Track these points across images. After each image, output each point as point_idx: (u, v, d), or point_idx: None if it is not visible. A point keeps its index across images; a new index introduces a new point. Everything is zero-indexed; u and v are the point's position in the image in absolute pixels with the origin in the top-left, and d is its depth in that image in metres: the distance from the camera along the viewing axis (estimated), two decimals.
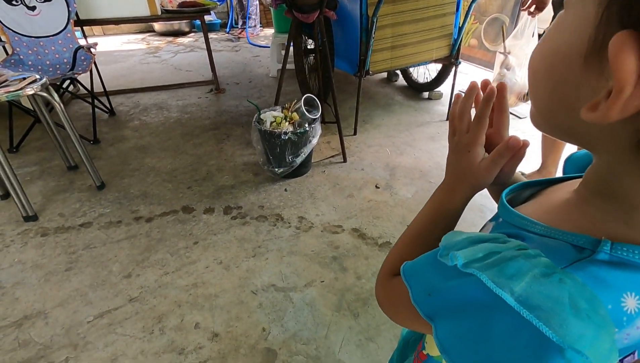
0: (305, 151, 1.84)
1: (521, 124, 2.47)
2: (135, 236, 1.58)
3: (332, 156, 2.17)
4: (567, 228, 0.27)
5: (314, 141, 1.87)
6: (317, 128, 1.87)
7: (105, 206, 1.76)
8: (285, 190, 1.88)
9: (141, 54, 4.33)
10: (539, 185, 0.39)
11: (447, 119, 2.55)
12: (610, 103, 0.20)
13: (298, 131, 1.78)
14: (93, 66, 2.38)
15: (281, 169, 1.86)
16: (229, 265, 1.44)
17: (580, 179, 0.31)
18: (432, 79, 2.87)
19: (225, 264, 1.44)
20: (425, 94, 2.99)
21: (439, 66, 2.77)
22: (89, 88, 2.38)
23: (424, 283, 0.33)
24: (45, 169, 2.04)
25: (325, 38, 1.92)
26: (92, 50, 2.37)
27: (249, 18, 4.96)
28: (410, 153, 2.21)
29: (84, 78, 2.43)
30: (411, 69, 3.02)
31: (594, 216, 0.27)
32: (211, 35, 5.04)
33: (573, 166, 0.41)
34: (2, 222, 1.65)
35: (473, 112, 0.42)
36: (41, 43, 2.31)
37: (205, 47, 2.95)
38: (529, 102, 0.34)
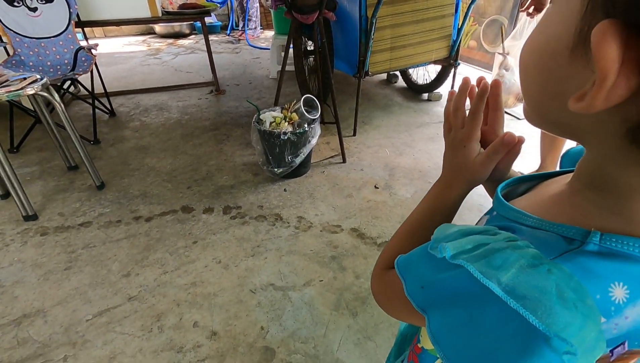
0: (305, 151, 1.85)
1: (519, 125, 2.48)
2: (135, 235, 1.59)
3: (332, 157, 2.18)
4: (559, 220, 0.27)
5: (313, 141, 1.87)
6: (317, 128, 1.88)
7: (105, 206, 1.76)
8: (285, 190, 1.88)
9: (142, 55, 4.35)
10: (535, 179, 0.39)
11: None
12: (594, 92, 0.20)
13: (297, 131, 1.79)
14: (94, 67, 2.39)
15: (280, 170, 1.87)
16: (228, 264, 1.44)
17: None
18: (432, 81, 2.88)
19: (224, 263, 1.45)
20: (425, 96, 3.00)
21: (438, 68, 2.78)
22: (90, 89, 2.39)
23: (417, 276, 0.34)
24: (46, 169, 2.04)
25: (324, 39, 1.93)
26: (93, 51, 2.38)
27: (249, 20, 4.98)
28: (409, 153, 2.22)
29: (84, 79, 2.44)
30: (410, 71, 3.03)
31: (585, 207, 0.27)
32: (212, 37, 5.06)
33: (570, 161, 0.41)
34: (2, 221, 1.66)
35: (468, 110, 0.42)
36: (42, 44, 2.32)
37: (205, 49, 2.97)
38: None
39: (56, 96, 1.68)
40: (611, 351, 0.26)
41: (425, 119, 2.65)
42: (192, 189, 1.89)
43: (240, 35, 5.07)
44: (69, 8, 2.30)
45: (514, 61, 2.29)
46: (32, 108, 1.98)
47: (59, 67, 2.36)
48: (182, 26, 5.22)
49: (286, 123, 1.84)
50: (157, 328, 1.20)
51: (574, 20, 0.22)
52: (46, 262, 1.45)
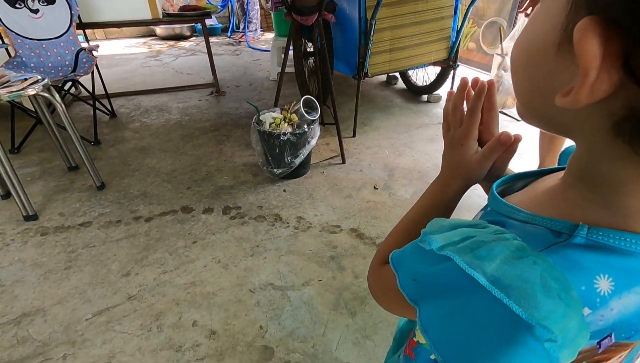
0: (304, 151, 1.86)
1: (518, 126, 2.48)
2: (135, 235, 1.59)
3: (331, 158, 2.19)
4: (549, 214, 0.28)
5: (313, 142, 1.88)
6: (316, 129, 1.89)
7: (105, 206, 1.77)
8: (284, 191, 1.89)
9: (143, 57, 4.37)
10: (532, 176, 0.40)
11: None
12: (577, 88, 0.21)
13: (297, 132, 1.80)
14: (95, 68, 2.41)
15: (280, 170, 1.87)
16: (228, 264, 1.44)
17: None
18: (431, 82, 2.89)
19: (223, 263, 1.45)
20: (424, 97, 3.01)
21: (437, 69, 2.79)
22: (91, 90, 2.40)
23: (409, 269, 0.34)
24: (46, 170, 2.05)
25: (324, 41, 1.94)
26: (94, 52, 2.39)
27: (250, 22, 5.01)
28: (408, 154, 2.22)
29: (85, 81, 2.46)
30: (410, 72, 3.04)
31: (575, 201, 0.28)
32: (212, 39, 5.08)
33: (567, 159, 0.42)
34: (2, 221, 1.67)
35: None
36: (43, 45, 2.33)
37: (206, 50, 2.98)
38: None
39: (57, 96, 1.69)
40: (598, 343, 0.26)
41: (425, 120, 2.66)
42: (192, 190, 1.90)
43: (241, 38, 5.09)
44: (70, 10, 2.31)
45: None
46: (33, 109, 1.99)
47: (60, 68, 2.38)
48: (183, 28, 5.25)
49: (286, 124, 1.85)
50: (156, 328, 1.20)
51: (560, 18, 0.22)
52: (46, 262, 1.45)
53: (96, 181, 1.87)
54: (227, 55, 4.46)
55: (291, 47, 2.09)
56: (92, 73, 2.38)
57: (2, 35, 2.33)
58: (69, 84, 2.47)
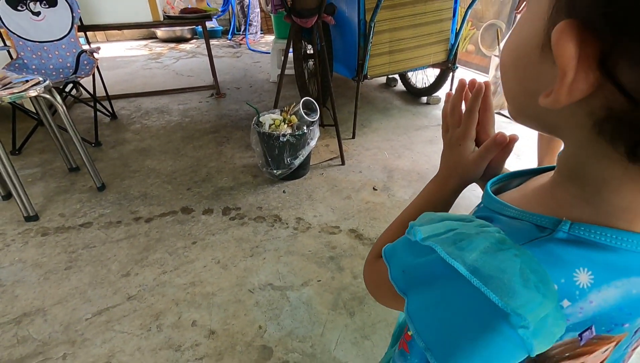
0: (304, 153, 1.87)
1: (514, 127, 2.49)
2: (135, 236, 1.60)
3: (331, 159, 2.20)
4: (537, 211, 0.29)
5: (312, 143, 1.89)
6: (316, 131, 1.90)
7: (106, 207, 1.78)
8: (284, 192, 1.90)
9: (143, 59, 4.39)
10: (527, 175, 0.41)
11: None
12: (557, 88, 0.22)
13: (296, 133, 1.81)
14: (96, 70, 2.42)
15: (280, 171, 1.88)
16: (227, 265, 1.45)
17: None
18: (430, 84, 2.90)
19: (223, 263, 1.46)
20: (424, 99, 3.02)
21: (437, 71, 2.81)
22: (92, 92, 2.42)
23: (400, 261, 0.35)
24: (47, 171, 2.06)
25: (323, 43, 1.96)
26: (95, 54, 2.41)
27: (250, 25, 5.03)
28: (408, 156, 2.23)
29: (86, 82, 2.47)
30: (410, 74, 3.05)
31: (562, 198, 0.29)
32: (213, 41, 5.10)
33: None
34: (3, 222, 1.67)
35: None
36: (45, 48, 2.35)
37: (206, 53, 3.00)
38: None
39: (58, 98, 1.71)
40: (580, 335, 0.27)
41: (424, 122, 2.67)
42: (192, 191, 1.91)
43: (241, 40, 5.12)
44: (72, 12, 2.33)
45: None
46: (34, 110, 2.00)
47: (61, 70, 2.39)
48: (184, 31, 5.27)
49: (285, 125, 1.86)
50: (156, 327, 1.21)
51: (542, 20, 0.23)
52: (46, 262, 1.46)
53: (97, 182, 1.88)
54: (227, 57, 4.48)
55: (291, 50, 2.10)
56: (93, 75, 2.39)
57: (4, 37, 2.34)
58: (70, 85, 2.48)
